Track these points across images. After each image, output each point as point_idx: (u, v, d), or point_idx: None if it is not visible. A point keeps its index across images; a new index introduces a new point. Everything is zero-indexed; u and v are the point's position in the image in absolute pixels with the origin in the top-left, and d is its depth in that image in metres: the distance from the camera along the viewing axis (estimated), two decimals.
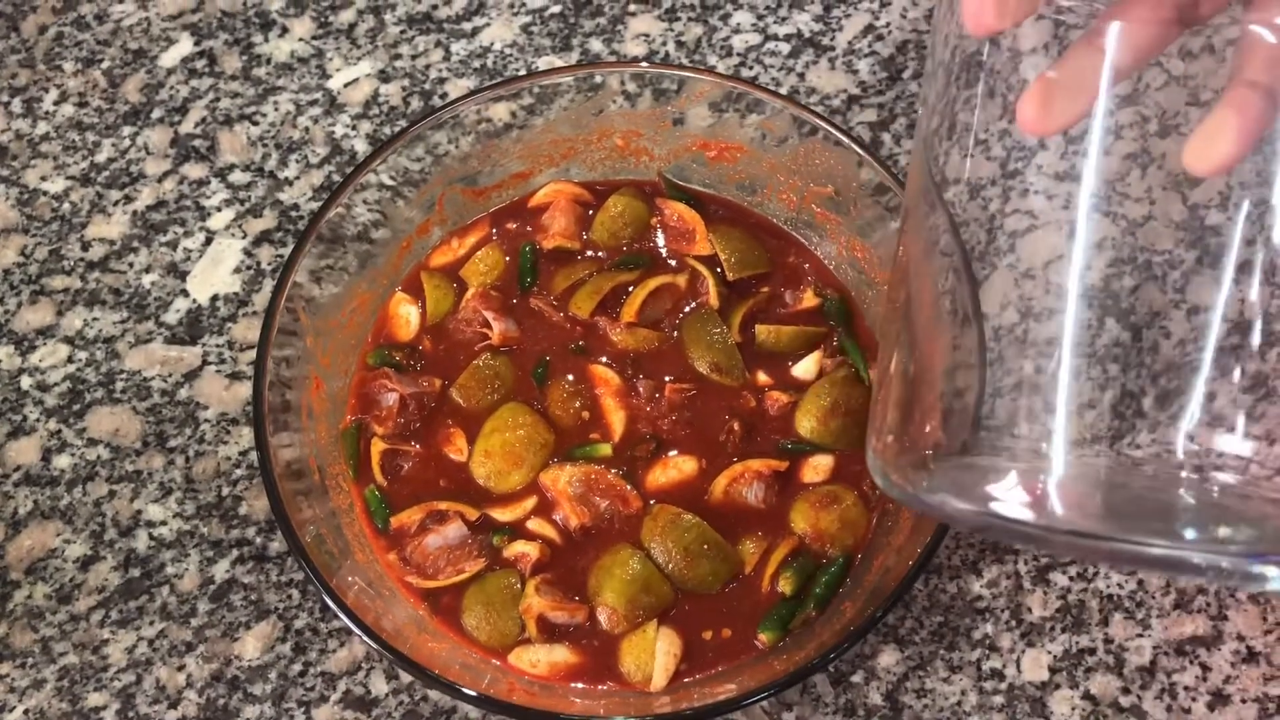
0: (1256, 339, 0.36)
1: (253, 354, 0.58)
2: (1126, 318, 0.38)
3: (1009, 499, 0.37)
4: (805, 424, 0.51)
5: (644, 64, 0.56)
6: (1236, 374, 0.36)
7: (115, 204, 0.62)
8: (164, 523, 0.54)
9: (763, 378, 0.53)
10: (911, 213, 0.42)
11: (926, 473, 0.40)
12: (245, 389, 0.57)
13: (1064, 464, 0.38)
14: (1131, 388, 0.38)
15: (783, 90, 0.64)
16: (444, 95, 0.64)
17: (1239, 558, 0.34)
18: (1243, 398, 0.36)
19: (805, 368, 0.52)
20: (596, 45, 0.66)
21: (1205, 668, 0.50)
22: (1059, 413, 0.38)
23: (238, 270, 0.60)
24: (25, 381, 0.58)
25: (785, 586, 0.48)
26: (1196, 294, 0.37)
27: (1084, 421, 0.38)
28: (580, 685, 0.47)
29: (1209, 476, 0.36)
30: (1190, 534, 0.35)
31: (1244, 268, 0.36)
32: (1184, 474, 0.37)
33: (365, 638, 0.43)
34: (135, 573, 0.53)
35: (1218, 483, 0.37)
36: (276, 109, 0.64)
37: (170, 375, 0.58)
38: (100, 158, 0.64)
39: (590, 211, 0.56)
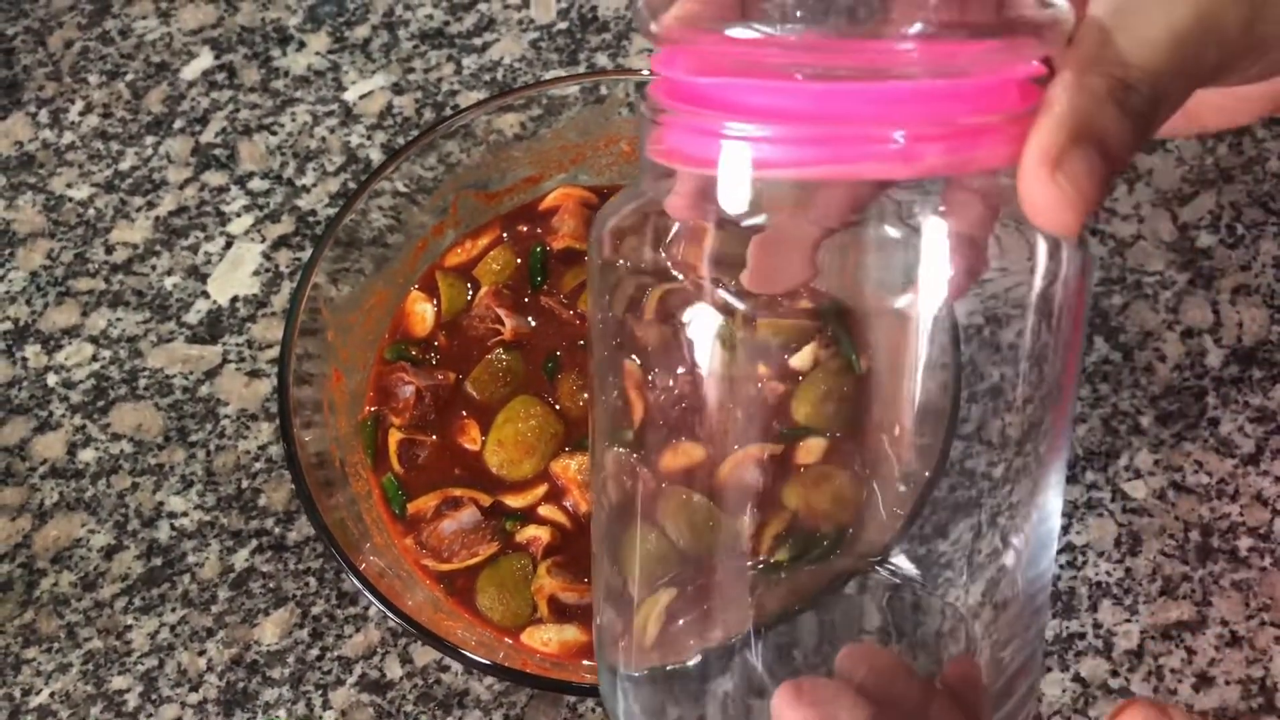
0: None
1: (271, 352, 0.60)
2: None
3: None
4: (801, 410, 0.53)
5: (646, 72, 0.58)
6: None
7: (138, 210, 0.64)
8: (185, 514, 0.56)
9: (762, 369, 0.55)
10: None
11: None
12: (264, 386, 0.59)
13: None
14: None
15: None
16: (455, 106, 0.67)
17: None
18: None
19: (801, 359, 0.55)
20: (602, 59, 0.68)
21: (1191, 651, 0.52)
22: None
23: (257, 273, 0.62)
24: (51, 379, 0.60)
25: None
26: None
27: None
28: (590, 663, 0.49)
29: None
30: None
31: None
32: None
33: (389, 613, 0.45)
34: (157, 561, 0.55)
35: None
36: (294, 120, 0.67)
37: (191, 373, 0.60)
38: (124, 166, 0.66)
39: None
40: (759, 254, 0.32)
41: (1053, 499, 0.34)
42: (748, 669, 0.36)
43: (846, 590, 0.38)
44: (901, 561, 0.37)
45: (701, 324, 0.33)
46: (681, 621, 0.37)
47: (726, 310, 0.33)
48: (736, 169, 0.29)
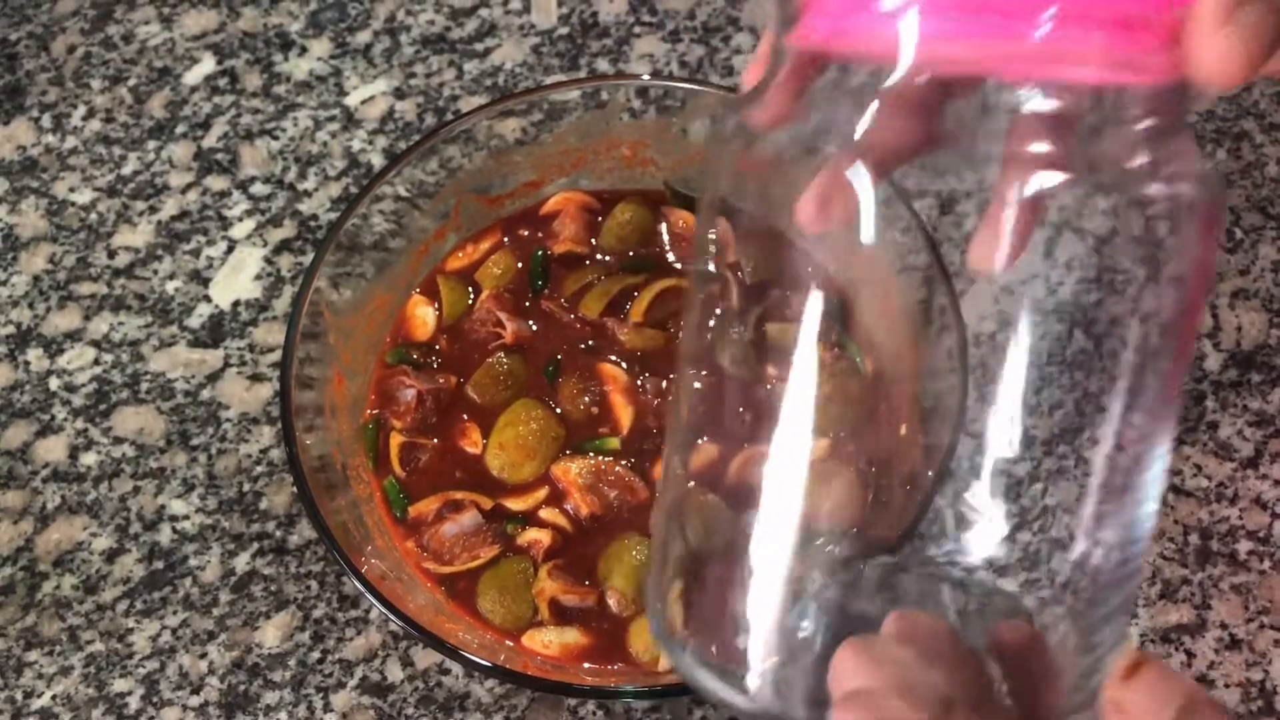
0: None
1: (273, 356, 0.60)
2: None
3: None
4: None
5: (645, 77, 0.58)
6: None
7: (140, 214, 0.65)
8: (187, 517, 0.56)
9: (771, 370, 0.55)
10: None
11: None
12: (266, 390, 0.59)
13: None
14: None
15: None
16: (457, 111, 0.67)
17: None
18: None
19: None
20: (603, 65, 0.68)
21: (1190, 654, 0.52)
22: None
23: (258, 277, 0.63)
24: (54, 383, 0.60)
25: None
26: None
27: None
28: (591, 665, 0.49)
29: None
30: None
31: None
32: None
33: (391, 616, 0.45)
34: (159, 565, 0.55)
35: None
36: (296, 124, 0.67)
37: (193, 377, 0.60)
38: (126, 170, 0.66)
39: (599, 218, 0.59)
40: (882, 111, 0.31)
41: (1151, 482, 0.31)
42: (795, 637, 0.34)
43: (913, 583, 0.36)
44: (975, 562, 0.35)
45: (858, 183, 0.31)
46: (713, 603, 0.36)
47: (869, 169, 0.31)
48: (908, 32, 0.29)
